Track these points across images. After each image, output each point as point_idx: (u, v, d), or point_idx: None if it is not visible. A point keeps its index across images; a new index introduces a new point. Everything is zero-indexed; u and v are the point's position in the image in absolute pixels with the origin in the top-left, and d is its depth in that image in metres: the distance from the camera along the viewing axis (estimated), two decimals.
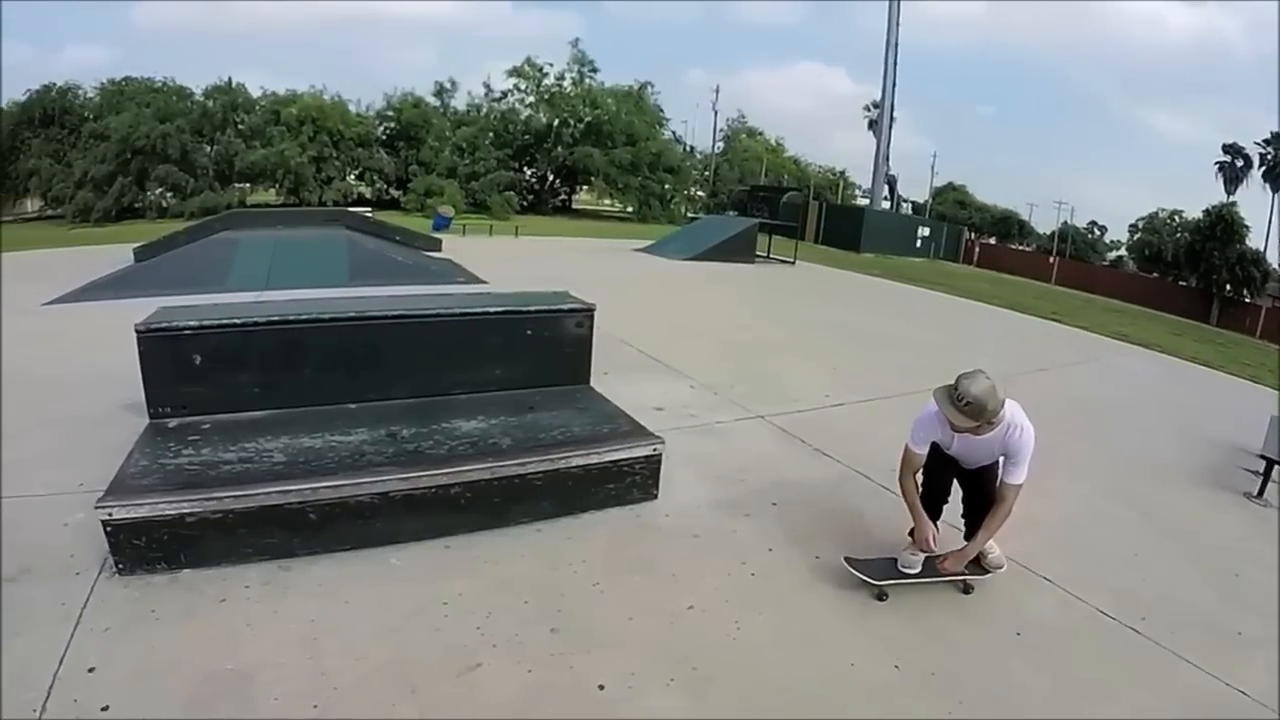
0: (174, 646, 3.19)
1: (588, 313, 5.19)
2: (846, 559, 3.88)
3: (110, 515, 3.52)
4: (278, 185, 40.00)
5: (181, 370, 4.58)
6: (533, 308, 5.14)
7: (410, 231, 17.65)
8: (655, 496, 4.36)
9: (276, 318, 4.77)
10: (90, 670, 3.04)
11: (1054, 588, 4.00)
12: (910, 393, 6.87)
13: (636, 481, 4.32)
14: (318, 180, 39.26)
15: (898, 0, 42.62)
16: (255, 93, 42.55)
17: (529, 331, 5.06)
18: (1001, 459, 3.76)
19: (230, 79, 41.60)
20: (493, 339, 5.01)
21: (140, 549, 3.58)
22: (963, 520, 3.99)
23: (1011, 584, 3.97)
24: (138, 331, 4.58)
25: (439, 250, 16.52)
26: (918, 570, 3.88)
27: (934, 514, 3.94)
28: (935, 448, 3.86)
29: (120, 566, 3.60)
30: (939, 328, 12.01)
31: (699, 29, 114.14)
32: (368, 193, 42.98)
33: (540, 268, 15.54)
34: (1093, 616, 3.79)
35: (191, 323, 4.66)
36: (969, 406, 3.53)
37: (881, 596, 3.77)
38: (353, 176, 42.38)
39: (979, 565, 3.89)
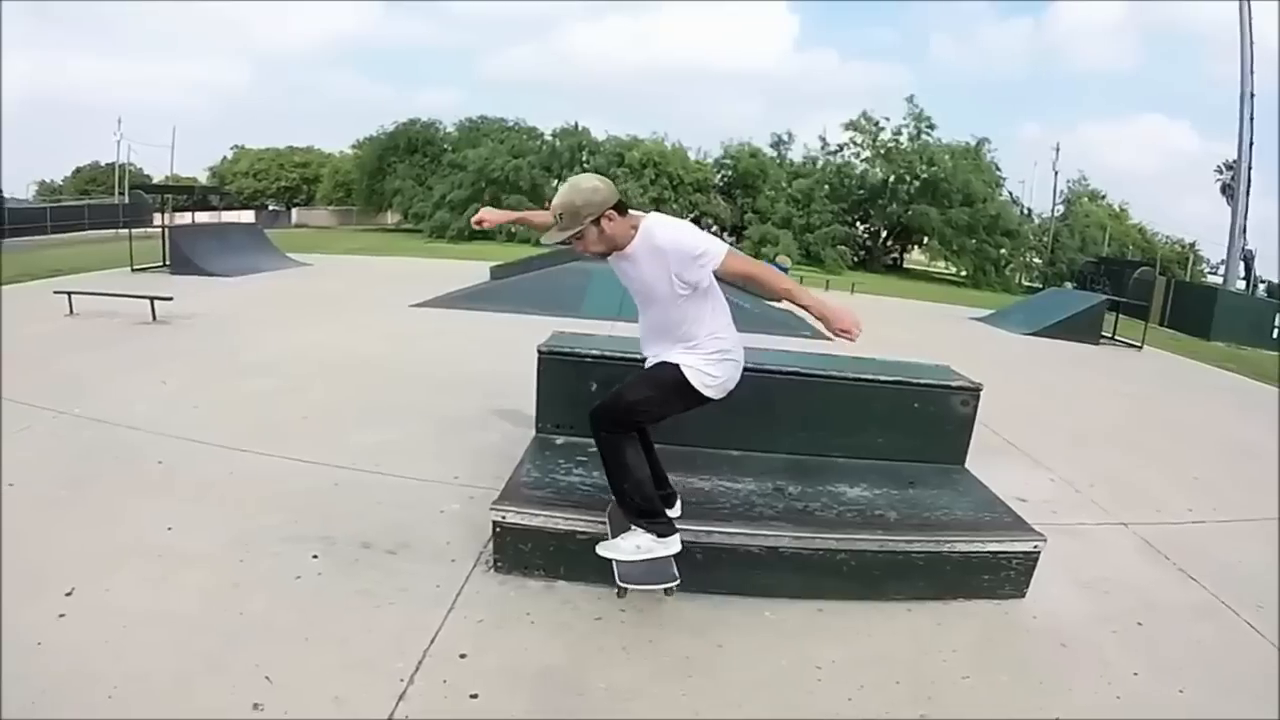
0: (548, 653, 3.37)
1: (974, 392, 5.00)
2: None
3: (503, 518, 3.81)
4: None
5: (575, 393, 4.85)
6: (921, 380, 5.02)
7: None
8: (1023, 595, 4.10)
9: None
10: (462, 656, 3.27)
11: None
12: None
13: (1010, 576, 4.09)
14: None
15: (1250, 41, 36.54)
16: (599, 136, 45.78)
17: (915, 404, 4.95)
18: (692, 264, 3.30)
19: (577, 123, 45.69)
20: (879, 407, 4.94)
21: (523, 553, 3.85)
22: None
23: None
24: (540, 352, 4.95)
25: (779, 300, 16.69)
26: None
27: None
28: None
29: (499, 565, 3.89)
30: None
31: (1032, 78, 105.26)
32: None
33: (880, 330, 15.24)
34: None
35: (593, 351, 4.98)
36: (563, 218, 3.34)
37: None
38: (690, 219, 44.03)
39: None
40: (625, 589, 3.59)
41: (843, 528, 3.95)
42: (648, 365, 3.69)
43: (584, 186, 3.40)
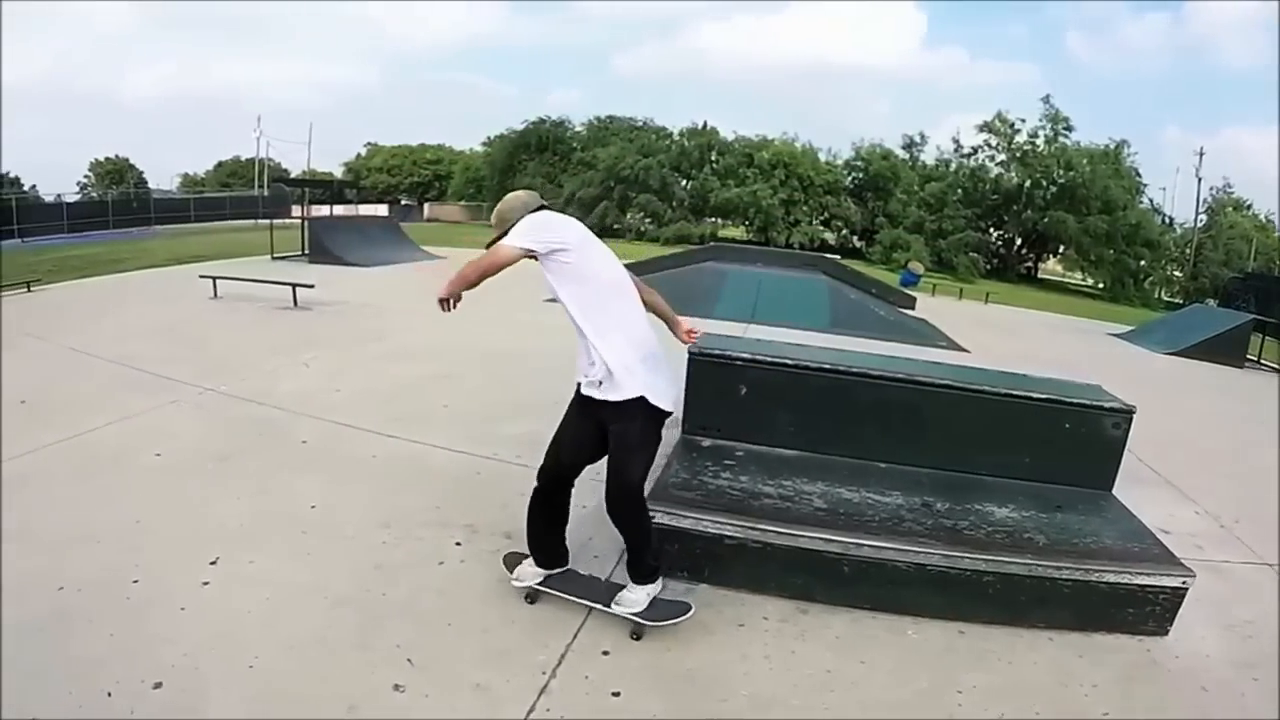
0: (690, 656, 3.40)
1: (1127, 415, 4.77)
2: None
3: (651, 518, 3.77)
4: (748, 223, 42.59)
5: (724, 396, 4.93)
6: (1073, 400, 4.83)
7: (884, 284, 17.74)
8: (1166, 633, 3.92)
9: (826, 365, 4.95)
10: (605, 653, 3.33)
11: None
12: None
13: (1155, 612, 3.91)
14: (785, 222, 41.28)
15: None
16: (728, 136, 45.58)
17: (1066, 425, 4.77)
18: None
19: (705, 122, 45.56)
20: (1029, 425, 4.78)
21: (669, 555, 3.85)
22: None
23: None
24: (690, 354, 4.94)
25: (912, 308, 16.40)
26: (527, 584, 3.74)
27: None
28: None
29: None
30: None
31: (1171, 78, 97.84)
32: (831, 239, 44.16)
33: (1019, 343, 14.79)
34: None
35: (744, 354, 5.00)
36: (495, 225, 3.57)
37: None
38: (819, 222, 43.55)
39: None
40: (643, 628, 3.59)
41: (992, 549, 3.86)
42: (605, 401, 3.45)
43: (509, 198, 3.68)
